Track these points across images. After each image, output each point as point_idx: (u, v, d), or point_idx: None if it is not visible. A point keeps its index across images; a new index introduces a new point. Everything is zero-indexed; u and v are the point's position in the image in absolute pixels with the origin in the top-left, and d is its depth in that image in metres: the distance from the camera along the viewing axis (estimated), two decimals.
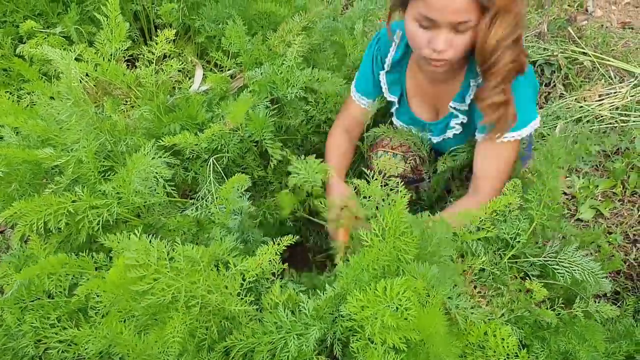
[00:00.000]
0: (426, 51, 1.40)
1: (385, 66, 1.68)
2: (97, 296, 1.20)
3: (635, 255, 2.05)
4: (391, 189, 1.33)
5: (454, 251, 1.25)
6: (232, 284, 1.05)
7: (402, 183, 1.43)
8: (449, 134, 1.66)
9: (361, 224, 1.37)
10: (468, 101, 1.55)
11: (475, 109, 1.51)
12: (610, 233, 2.15)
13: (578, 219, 2.19)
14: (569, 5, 3.49)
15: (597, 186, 2.29)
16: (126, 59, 2.48)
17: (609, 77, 2.86)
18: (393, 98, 1.71)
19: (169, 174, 1.35)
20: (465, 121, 1.60)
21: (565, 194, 2.30)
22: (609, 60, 2.94)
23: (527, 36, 3.14)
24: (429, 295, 1.00)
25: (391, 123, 1.81)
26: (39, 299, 1.37)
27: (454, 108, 1.60)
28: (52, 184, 1.42)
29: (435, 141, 1.74)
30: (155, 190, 1.37)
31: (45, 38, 2.29)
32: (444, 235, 1.06)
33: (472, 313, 1.09)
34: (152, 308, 1.08)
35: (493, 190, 1.50)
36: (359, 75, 1.76)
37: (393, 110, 1.76)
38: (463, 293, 1.15)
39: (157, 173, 1.31)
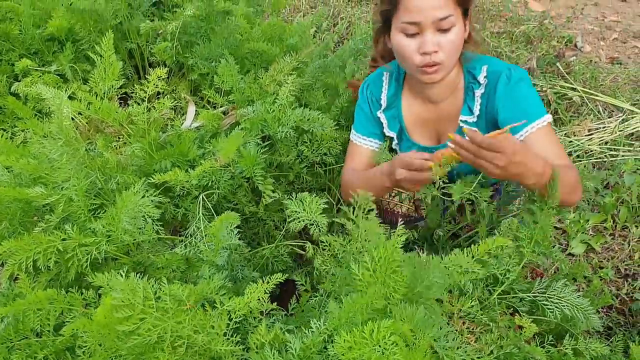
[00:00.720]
0: (417, 59, 1.41)
1: (382, 103, 1.68)
2: (85, 334, 1.19)
3: (627, 290, 2.05)
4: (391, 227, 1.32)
5: (444, 290, 1.26)
6: (219, 323, 1.04)
7: (402, 222, 1.43)
8: None
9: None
10: (477, 112, 1.55)
11: (487, 118, 1.54)
12: (601, 268, 2.15)
13: (569, 254, 2.20)
14: (557, 42, 3.56)
15: (588, 220, 2.30)
16: (120, 96, 2.51)
17: (598, 112, 2.91)
18: (392, 134, 1.72)
19: (157, 213, 1.35)
20: None
21: (556, 228, 2.30)
22: (597, 96, 2.98)
23: None
24: (415, 338, 1.00)
25: None
26: (26, 337, 1.36)
27: (464, 121, 1.58)
28: (42, 222, 1.42)
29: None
30: (144, 228, 1.37)
31: (40, 76, 2.33)
32: (436, 278, 1.06)
33: (460, 355, 1.08)
34: (138, 348, 1.07)
35: (567, 165, 1.43)
36: (358, 120, 1.74)
37: (395, 146, 1.76)
38: (451, 331, 1.15)
39: (145, 212, 1.32)
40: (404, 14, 1.37)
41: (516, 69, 1.52)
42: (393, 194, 1.76)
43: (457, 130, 1.61)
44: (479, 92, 1.54)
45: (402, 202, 1.75)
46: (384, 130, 1.72)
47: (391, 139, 1.74)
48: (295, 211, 1.39)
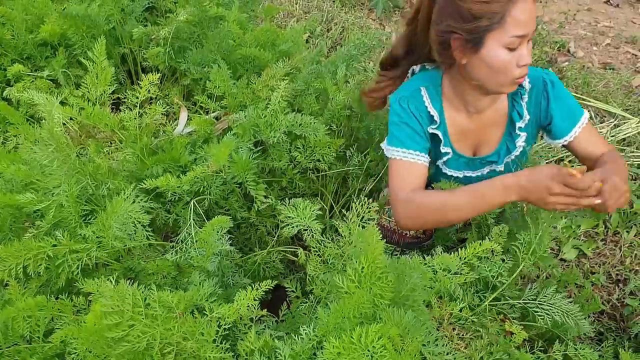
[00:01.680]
0: (517, 72, 1.39)
1: (437, 120, 1.58)
2: (75, 340, 1.19)
3: (618, 295, 2.06)
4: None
5: (433, 294, 1.26)
6: (208, 330, 1.04)
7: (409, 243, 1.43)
8: (515, 153, 1.63)
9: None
10: (526, 117, 1.57)
11: (534, 120, 1.57)
12: (593, 273, 2.16)
13: (561, 259, 2.20)
14: (550, 47, 3.58)
15: (580, 226, 2.31)
16: (113, 101, 2.51)
17: (590, 117, 2.92)
18: (448, 149, 1.62)
19: (147, 218, 1.35)
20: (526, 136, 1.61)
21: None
22: (589, 101, 3.00)
23: None
24: (404, 342, 1.00)
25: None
26: (16, 344, 1.35)
27: (519, 127, 1.58)
28: (33, 228, 1.42)
29: (498, 169, 1.67)
30: (134, 234, 1.37)
31: (32, 81, 2.32)
32: (418, 279, 1.06)
33: (449, 359, 1.08)
34: (127, 354, 1.07)
35: (613, 149, 1.57)
36: (407, 136, 1.57)
37: (444, 161, 1.66)
38: (441, 337, 1.15)
39: (135, 218, 1.32)
40: (513, 28, 1.33)
41: (549, 73, 1.57)
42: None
43: (505, 135, 1.62)
44: (525, 97, 1.56)
45: None
46: (441, 148, 1.62)
47: (443, 154, 1.64)
48: (289, 216, 1.39)
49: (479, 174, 1.68)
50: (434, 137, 1.60)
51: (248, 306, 1.14)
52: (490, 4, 1.32)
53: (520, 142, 1.60)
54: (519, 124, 1.58)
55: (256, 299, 1.17)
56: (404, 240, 1.73)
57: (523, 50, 1.37)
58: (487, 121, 1.61)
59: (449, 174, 1.68)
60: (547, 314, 1.33)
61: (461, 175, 1.68)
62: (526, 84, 1.55)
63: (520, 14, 1.33)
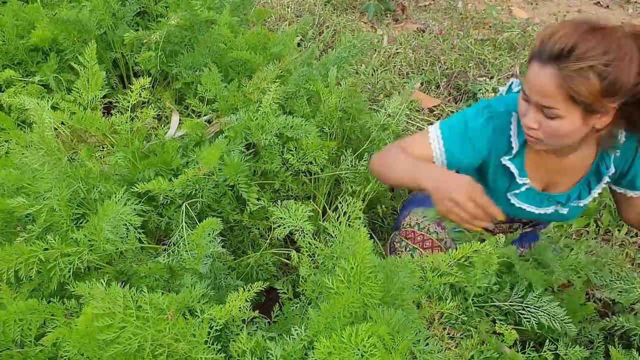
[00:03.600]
0: (522, 121, 1.37)
1: (513, 151, 1.52)
2: (67, 343, 1.19)
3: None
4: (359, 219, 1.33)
5: (422, 294, 1.27)
6: (200, 332, 1.05)
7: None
8: (585, 201, 1.60)
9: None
10: (612, 169, 1.51)
11: (617, 172, 1.52)
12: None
13: None
14: None
15: (572, 225, 2.32)
16: (105, 105, 2.51)
17: None
18: (525, 181, 1.56)
19: (139, 221, 1.35)
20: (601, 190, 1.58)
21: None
22: None
23: (499, 78, 3.23)
24: (394, 340, 1.01)
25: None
26: (8, 349, 1.35)
27: (606, 177, 1.53)
28: (24, 232, 1.42)
29: (561, 212, 1.64)
30: (126, 237, 1.37)
31: (24, 86, 2.32)
32: (406, 278, 1.07)
33: (440, 358, 1.09)
34: (119, 356, 1.07)
35: None
36: (457, 130, 1.54)
37: (515, 192, 1.61)
38: (431, 336, 1.16)
39: (127, 221, 1.32)
40: (525, 78, 1.31)
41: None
42: (408, 249, 1.72)
43: (582, 180, 1.57)
44: (618, 152, 1.49)
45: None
46: (518, 181, 1.56)
47: (518, 185, 1.58)
48: (281, 217, 1.39)
49: (543, 212, 1.63)
50: (504, 168, 1.56)
51: (240, 308, 1.15)
52: (539, 37, 1.27)
53: (597, 192, 1.57)
54: (606, 177, 1.53)
55: (248, 300, 1.17)
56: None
57: (529, 111, 1.33)
58: (568, 166, 1.55)
59: (517, 205, 1.63)
60: (534, 317, 1.35)
61: (527, 209, 1.63)
62: (622, 137, 1.45)
63: (530, 73, 1.28)
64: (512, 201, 1.62)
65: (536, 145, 1.40)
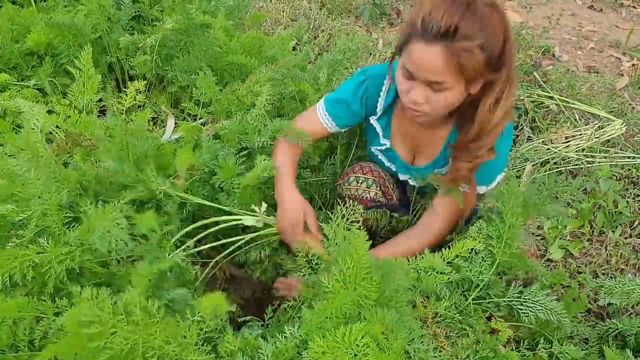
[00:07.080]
0: (405, 99, 1.42)
1: (378, 111, 1.69)
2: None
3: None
4: (357, 222, 1.33)
5: (418, 294, 1.27)
6: (190, 333, 1.04)
7: (374, 207, 1.43)
8: (445, 169, 1.66)
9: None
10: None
11: None
12: (580, 273, 2.18)
13: (548, 259, 2.22)
14: (534, 52, 3.61)
15: (566, 226, 2.33)
16: (101, 109, 2.51)
17: (574, 119, 2.95)
18: (387, 142, 1.73)
19: (127, 228, 1.35)
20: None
21: (534, 234, 2.33)
22: (574, 104, 3.03)
23: None
24: (388, 340, 1.01)
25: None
26: (3, 352, 1.35)
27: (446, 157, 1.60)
28: (15, 238, 1.42)
29: (411, 182, 1.78)
30: (116, 242, 1.37)
31: (19, 90, 2.31)
32: (401, 280, 1.07)
33: (434, 357, 1.09)
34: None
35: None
36: (335, 98, 1.72)
37: (375, 150, 1.79)
38: (426, 335, 1.16)
39: (117, 226, 1.32)
40: (407, 57, 1.34)
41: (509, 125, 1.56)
42: (360, 181, 1.79)
43: (435, 163, 1.67)
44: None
45: (369, 188, 1.77)
46: (381, 140, 1.73)
47: (381, 145, 1.75)
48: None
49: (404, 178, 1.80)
50: (372, 126, 1.73)
51: (233, 310, 1.14)
52: (414, 15, 1.31)
53: (444, 170, 1.63)
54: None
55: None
56: (365, 205, 1.75)
57: (417, 89, 1.37)
58: (427, 137, 1.66)
59: (386, 164, 1.79)
60: (532, 312, 1.35)
61: (392, 168, 1.80)
62: None
63: (415, 53, 1.31)
64: (379, 157, 1.81)
65: (420, 118, 1.47)
